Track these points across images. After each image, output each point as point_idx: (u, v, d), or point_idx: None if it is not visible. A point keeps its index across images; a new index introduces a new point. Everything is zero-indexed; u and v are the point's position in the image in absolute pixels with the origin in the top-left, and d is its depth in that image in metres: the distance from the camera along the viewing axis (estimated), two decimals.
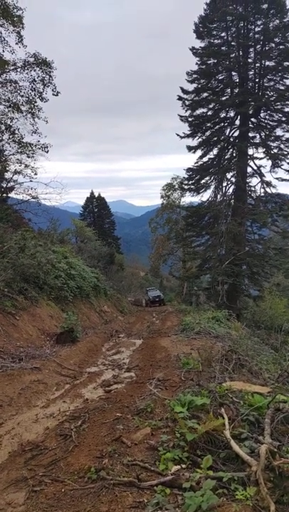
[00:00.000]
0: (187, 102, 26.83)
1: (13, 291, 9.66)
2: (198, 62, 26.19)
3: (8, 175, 18.68)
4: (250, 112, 25.31)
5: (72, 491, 2.98)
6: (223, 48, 25.68)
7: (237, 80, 25.84)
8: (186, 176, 28.78)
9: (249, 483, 2.56)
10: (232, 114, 26.73)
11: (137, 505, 2.65)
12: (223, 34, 25.61)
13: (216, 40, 26.00)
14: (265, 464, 2.61)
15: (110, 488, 2.88)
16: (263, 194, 26.52)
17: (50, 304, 11.75)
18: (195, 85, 26.57)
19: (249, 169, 26.50)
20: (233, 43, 25.48)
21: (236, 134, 26.78)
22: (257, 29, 24.34)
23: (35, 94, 17.25)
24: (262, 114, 26.00)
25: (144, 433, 3.85)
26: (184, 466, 3.09)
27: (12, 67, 16.59)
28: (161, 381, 6.24)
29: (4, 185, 18.96)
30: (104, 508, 2.63)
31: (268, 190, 26.19)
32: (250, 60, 25.16)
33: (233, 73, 25.77)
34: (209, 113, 26.93)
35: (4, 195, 19.33)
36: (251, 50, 24.98)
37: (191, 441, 3.29)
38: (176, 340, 11.06)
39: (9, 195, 19.65)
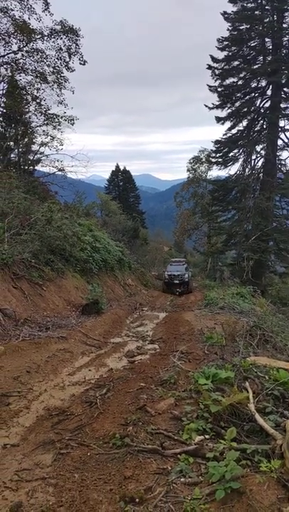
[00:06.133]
0: (217, 71, 25.73)
1: (40, 263, 9.82)
2: (230, 28, 24.86)
3: (34, 147, 18.82)
4: (283, 82, 24.00)
5: (97, 455, 3.07)
6: (256, 13, 24.10)
7: (270, 47, 24.47)
8: (214, 149, 28.02)
9: (273, 456, 2.56)
10: (263, 83, 25.43)
11: (160, 471, 2.71)
12: None
13: (249, 4, 24.46)
14: None
15: (134, 455, 2.95)
16: None
17: (76, 275, 11.91)
18: (225, 53, 25.35)
19: (280, 142, 25.49)
20: (267, 7, 23.92)
21: (267, 104, 25.58)
22: None
23: (61, 64, 17.01)
24: None
25: (167, 403, 3.90)
26: (207, 436, 3.13)
27: (38, 36, 16.33)
28: (184, 354, 6.28)
29: (31, 158, 19.09)
30: (129, 473, 2.70)
31: None
32: (285, 26, 23.72)
33: (267, 40, 24.36)
34: (240, 82, 25.74)
35: (31, 167, 19.51)
36: (287, 14, 23.48)
37: (215, 413, 3.31)
38: (199, 314, 11.08)
39: (36, 167, 19.86)
